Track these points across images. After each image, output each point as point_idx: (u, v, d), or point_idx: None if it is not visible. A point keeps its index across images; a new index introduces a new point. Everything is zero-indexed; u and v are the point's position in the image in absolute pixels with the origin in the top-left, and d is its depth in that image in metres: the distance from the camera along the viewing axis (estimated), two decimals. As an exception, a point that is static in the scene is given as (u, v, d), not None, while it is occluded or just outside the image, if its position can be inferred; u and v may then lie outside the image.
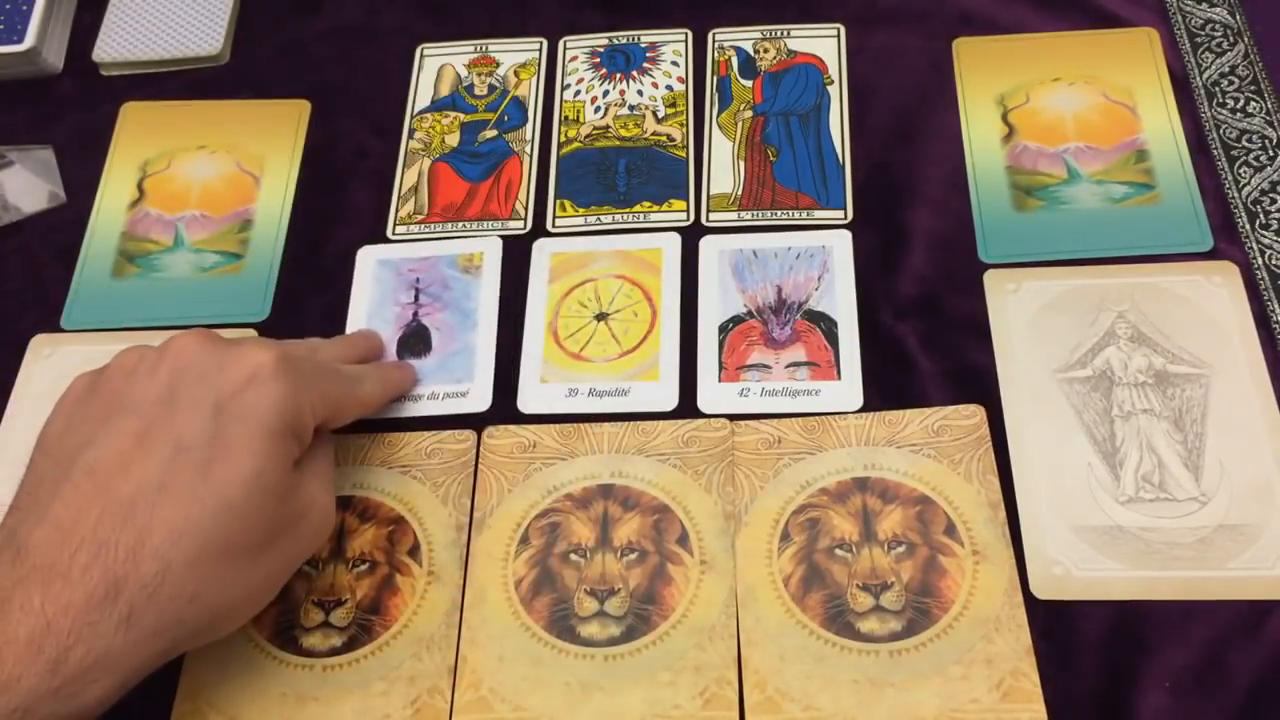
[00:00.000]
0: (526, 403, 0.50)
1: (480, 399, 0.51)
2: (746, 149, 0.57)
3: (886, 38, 0.60)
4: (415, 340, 0.53)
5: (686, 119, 0.58)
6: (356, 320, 0.53)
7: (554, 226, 0.56)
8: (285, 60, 0.63)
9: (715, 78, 0.60)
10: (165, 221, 0.58)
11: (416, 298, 0.54)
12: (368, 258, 0.55)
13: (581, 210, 0.56)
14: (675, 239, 0.54)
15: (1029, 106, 0.56)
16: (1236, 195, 0.52)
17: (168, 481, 0.37)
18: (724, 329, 0.51)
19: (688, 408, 0.49)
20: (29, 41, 0.62)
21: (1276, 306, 0.49)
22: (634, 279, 0.53)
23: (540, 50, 0.62)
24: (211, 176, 0.59)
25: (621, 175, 0.57)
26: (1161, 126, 0.54)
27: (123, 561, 0.35)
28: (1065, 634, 0.43)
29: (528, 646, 0.44)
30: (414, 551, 0.46)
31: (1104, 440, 0.46)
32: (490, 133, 0.59)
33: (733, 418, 0.49)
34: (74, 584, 0.35)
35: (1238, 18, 0.58)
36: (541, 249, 0.55)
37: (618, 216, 0.55)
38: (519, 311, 0.53)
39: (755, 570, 0.45)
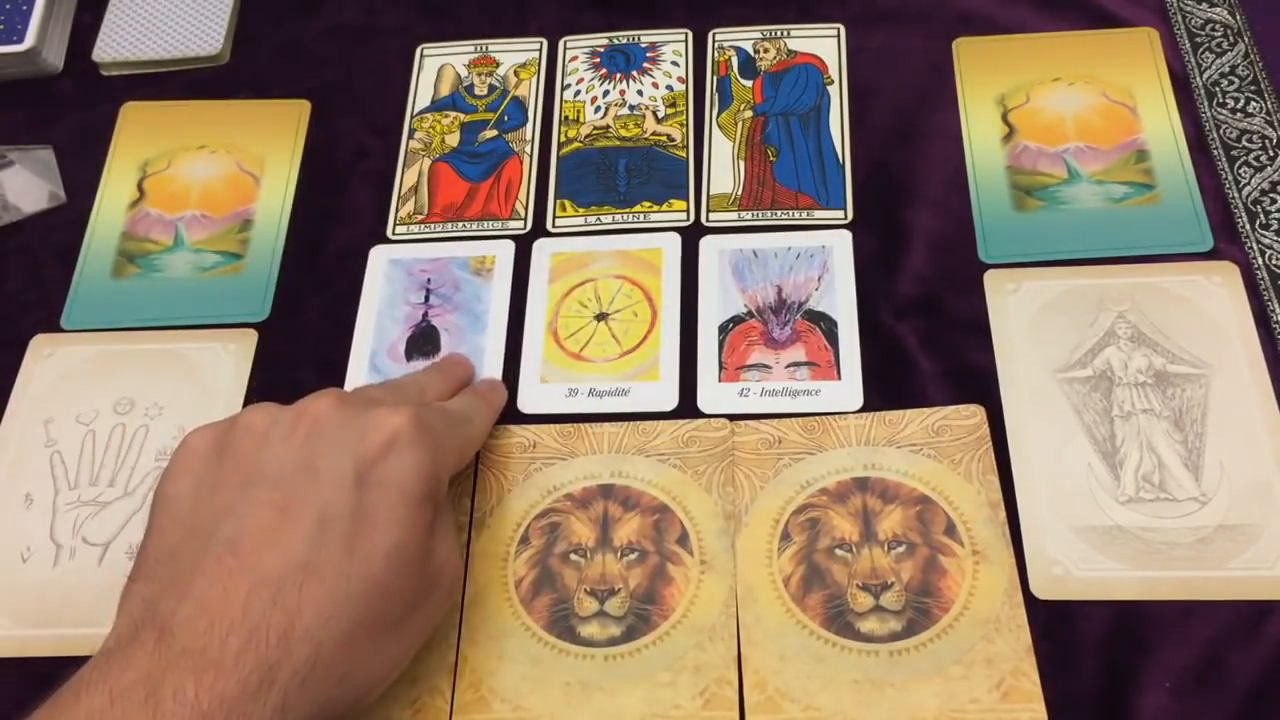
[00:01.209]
0: (526, 403, 0.50)
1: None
2: (746, 149, 0.57)
3: (886, 38, 0.60)
4: (424, 341, 0.53)
5: (686, 119, 0.58)
6: (366, 319, 0.53)
7: (554, 226, 0.56)
8: (285, 60, 0.63)
9: (715, 78, 0.60)
10: (165, 221, 0.58)
11: (427, 298, 0.54)
12: (379, 257, 0.55)
13: (581, 210, 0.56)
14: (675, 239, 0.54)
15: (1029, 106, 0.56)
16: (1236, 195, 0.52)
17: (314, 558, 0.35)
18: (724, 329, 0.51)
19: (688, 408, 0.49)
20: (29, 41, 0.62)
21: (1276, 306, 0.49)
22: (634, 279, 0.53)
23: (540, 50, 0.62)
24: (211, 176, 0.59)
25: (621, 175, 0.57)
26: (1161, 126, 0.54)
27: (274, 646, 0.34)
28: (1065, 634, 0.43)
29: (527, 646, 0.44)
30: None
31: (1104, 440, 0.46)
32: (490, 133, 0.59)
33: (733, 418, 0.49)
34: (227, 673, 0.33)
35: (1238, 18, 0.58)
36: (541, 249, 0.55)
37: (618, 216, 0.55)
38: (519, 311, 0.53)
39: (755, 570, 0.45)
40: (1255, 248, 0.51)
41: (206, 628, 0.34)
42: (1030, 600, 0.43)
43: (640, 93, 0.59)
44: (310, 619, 0.34)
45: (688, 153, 0.57)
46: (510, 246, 0.55)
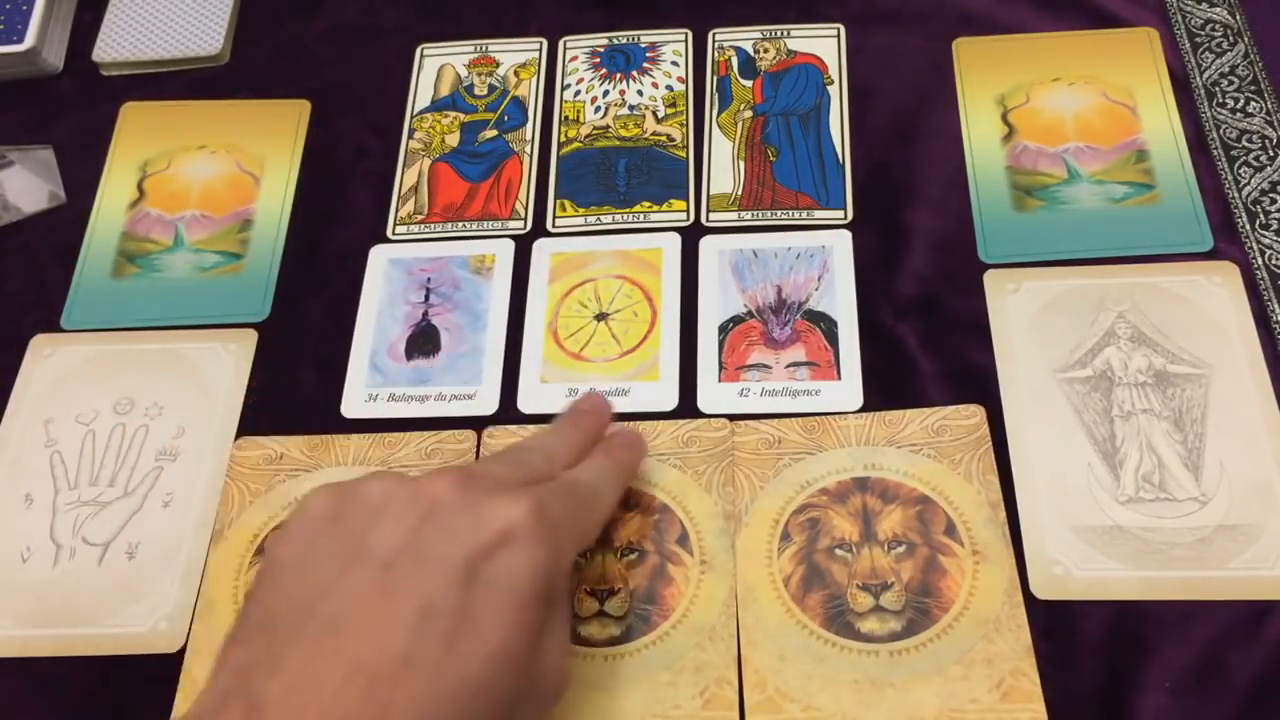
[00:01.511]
0: (526, 403, 0.50)
1: (488, 401, 0.51)
2: (746, 149, 0.57)
3: (886, 38, 0.60)
4: (424, 340, 0.53)
5: (686, 119, 0.58)
6: (366, 319, 0.53)
7: (554, 226, 0.56)
8: (285, 60, 0.63)
9: (715, 78, 0.60)
10: (165, 221, 0.58)
11: (427, 297, 0.54)
12: (379, 257, 0.55)
13: (581, 210, 0.56)
14: (675, 239, 0.54)
15: (1029, 106, 0.56)
16: (1236, 195, 0.52)
17: (412, 653, 0.34)
18: (724, 329, 0.51)
19: (688, 408, 0.49)
20: (29, 41, 0.62)
21: (1276, 306, 0.49)
22: (634, 279, 0.53)
23: (540, 50, 0.62)
24: (211, 176, 0.59)
25: (621, 175, 0.57)
26: (1161, 126, 0.54)
27: None
28: (1065, 634, 0.43)
29: (528, 647, 0.44)
30: None
31: (1104, 440, 0.46)
32: (490, 133, 0.59)
33: (733, 418, 0.49)
34: None
35: (1238, 18, 0.58)
36: (541, 249, 0.55)
37: (618, 216, 0.55)
38: (519, 311, 0.53)
39: (755, 570, 0.45)
40: (1255, 248, 0.51)
41: (298, 711, 0.32)
42: (1030, 600, 0.43)
43: (640, 93, 0.59)
44: (400, 714, 0.33)
45: (688, 153, 0.57)
46: (510, 246, 0.55)
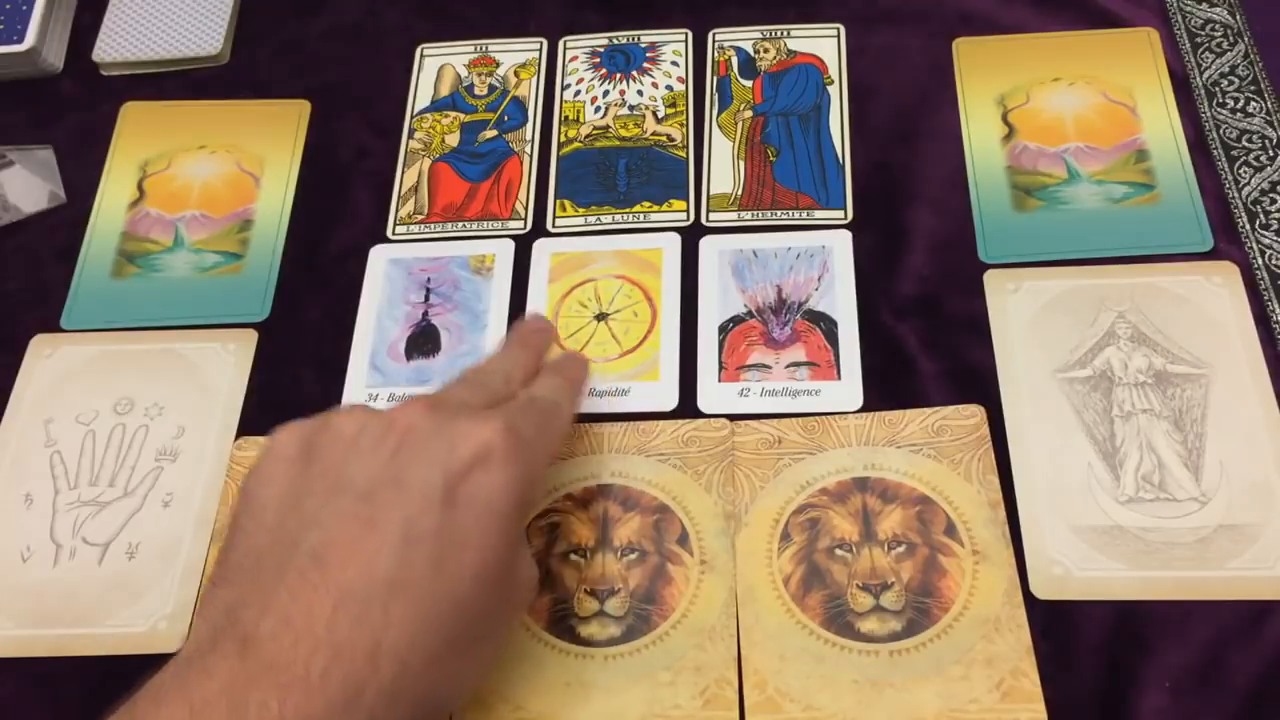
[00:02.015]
0: (526, 403, 0.50)
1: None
2: (746, 149, 0.57)
3: (886, 38, 0.60)
4: (424, 340, 0.53)
5: (686, 119, 0.58)
6: (366, 319, 0.53)
7: (554, 226, 0.56)
8: (285, 60, 0.63)
9: (715, 78, 0.60)
10: (165, 221, 0.58)
11: (427, 297, 0.54)
12: (379, 257, 0.55)
13: (581, 210, 0.56)
14: (675, 239, 0.54)
15: (1029, 106, 0.56)
16: (1236, 195, 0.52)
17: (399, 576, 0.34)
18: (724, 329, 0.51)
19: (688, 408, 0.49)
20: (29, 41, 0.62)
21: (1276, 306, 0.49)
22: (634, 279, 0.53)
23: (540, 50, 0.62)
24: (211, 176, 0.59)
25: (621, 175, 0.57)
26: (1161, 126, 0.54)
27: (361, 666, 0.33)
28: (1065, 634, 0.43)
29: (527, 646, 0.44)
30: None
31: (1104, 440, 0.46)
32: (490, 133, 0.59)
33: (733, 417, 0.49)
34: (313, 691, 0.32)
35: (1238, 18, 0.58)
36: (541, 249, 0.55)
37: (618, 216, 0.55)
38: (519, 311, 0.53)
39: (755, 570, 0.45)
40: (1255, 248, 0.51)
41: (291, 644, 0.33)
42: (1030, 600, 0.43)
43: (640, 93, 0.59)
44: (395, 638, 0.34)
45: (688, 153, 0.57)
46: (510, 246, 0.55)
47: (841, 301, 0.51)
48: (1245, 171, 0.53)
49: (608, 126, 0.59)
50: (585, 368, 0.48)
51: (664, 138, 0.58)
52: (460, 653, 0.36)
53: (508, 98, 0.60)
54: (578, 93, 0.60)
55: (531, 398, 0.43)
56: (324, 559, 0.35)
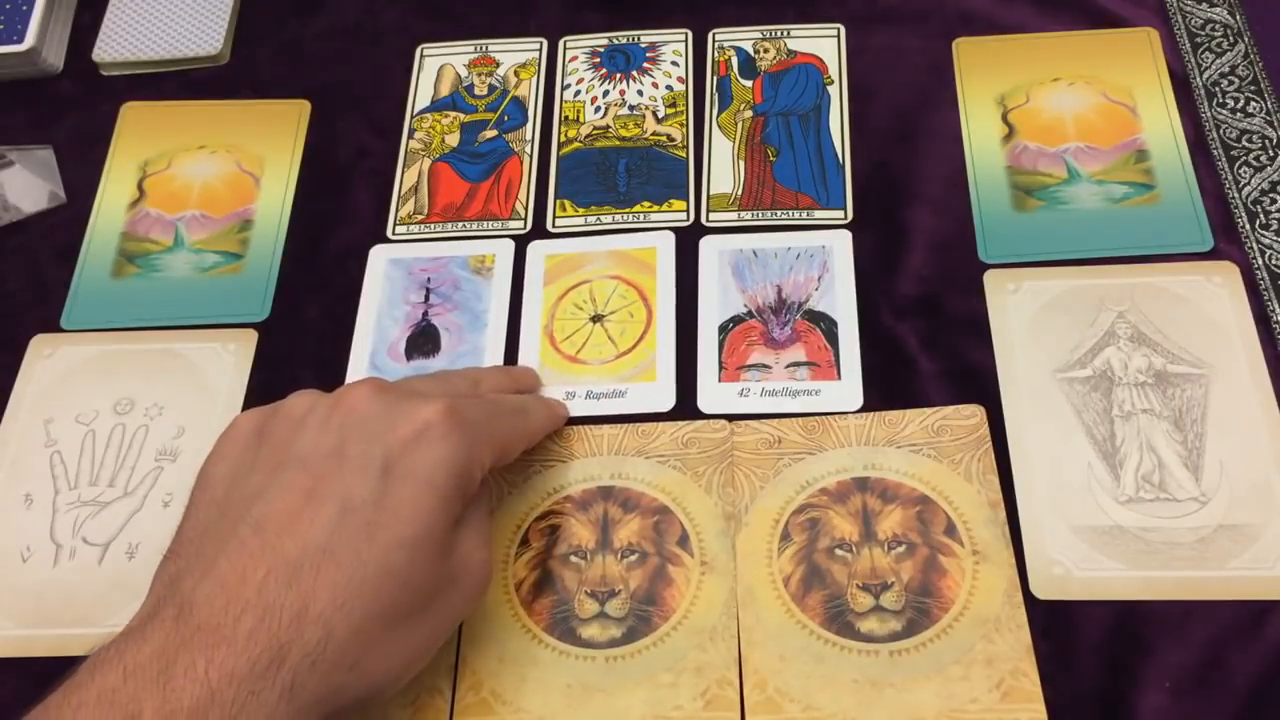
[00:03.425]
0: (526, 403, 0.50)
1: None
2: (746, 149, 0.57)
3: (886, 38, 0.60)
4: (424, 340, 0.53)
5: (686, 119, 0.58)
6: (366, 319, 0.53)
7: (554, 227, 0.56)
8: (285, 60, 0.63)
9: (715, 78, 0.60)
10: (165, 221, 0.58)
11: (427, 297, 0.54)
12: (379, 257, 0.55)
13: (581, 210, 0.56)
14: (669, 237, 0.54)
15: (1029, 106, 0.56)
16: (1236, 195, 0.52)
17: (333, 544, 0.36)
18: (724, 329, 0.51)
19: (687, 408, 0.49)
20: (29, 41, 0.62)
21: (1276, 306, 0.49)
22: (629, 279, 0.53)
23: (540, 50, 0.62)
24: (211, 176, 0.59)
25: (621, 175, 0.57)
26: (1161, 126, 0.54)
27: (286, 627, 0.34)
28: (1065, 634, 0.43)
29: (528, 648, 0.44)
30: None
31: (1104, 440, 0.46)
32: (490, 133, 0.59)
33: (732, 418, 0.49)
34: (238, 650, 0.33)
35: (1238, 18, 0.58)
36: (536, 251, 0.55)
37: (618, 217, 0.55)
38: (518, 312, 0.53)
39: (755, 570, 0.45)
40: (1255, 248, 0.51)
41: (223, 606, 0.34)
42: (1030, 600, 0.43)
43: (640, 93, 0.59)
44: (324, 603, 0.35)
45: (688, 153, 0.57)
46: (510, 246, 0.55)
47: (841, 301, 0.51)
48: (1245, 171, 0.53)
49: (608, 126, 0.59)
50: (565, 410, 0.49)
51: (664, 138, 0.58)
52: (392, 625, 0.36)
53: (508, 98, 0.60)
54: (578, 93, 0.60)
55: (493, 397, 0.45)
56: (263, 528, 0.36)
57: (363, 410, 0.40)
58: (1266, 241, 0.51)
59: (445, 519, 0.38)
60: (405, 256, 0.55)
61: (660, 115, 0.59)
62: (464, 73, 0.62)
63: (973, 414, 0.48)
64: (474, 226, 0.56)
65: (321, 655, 0.34)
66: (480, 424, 0.41)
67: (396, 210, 0.57)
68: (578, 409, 0.50)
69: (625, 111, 0.59)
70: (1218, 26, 0.58)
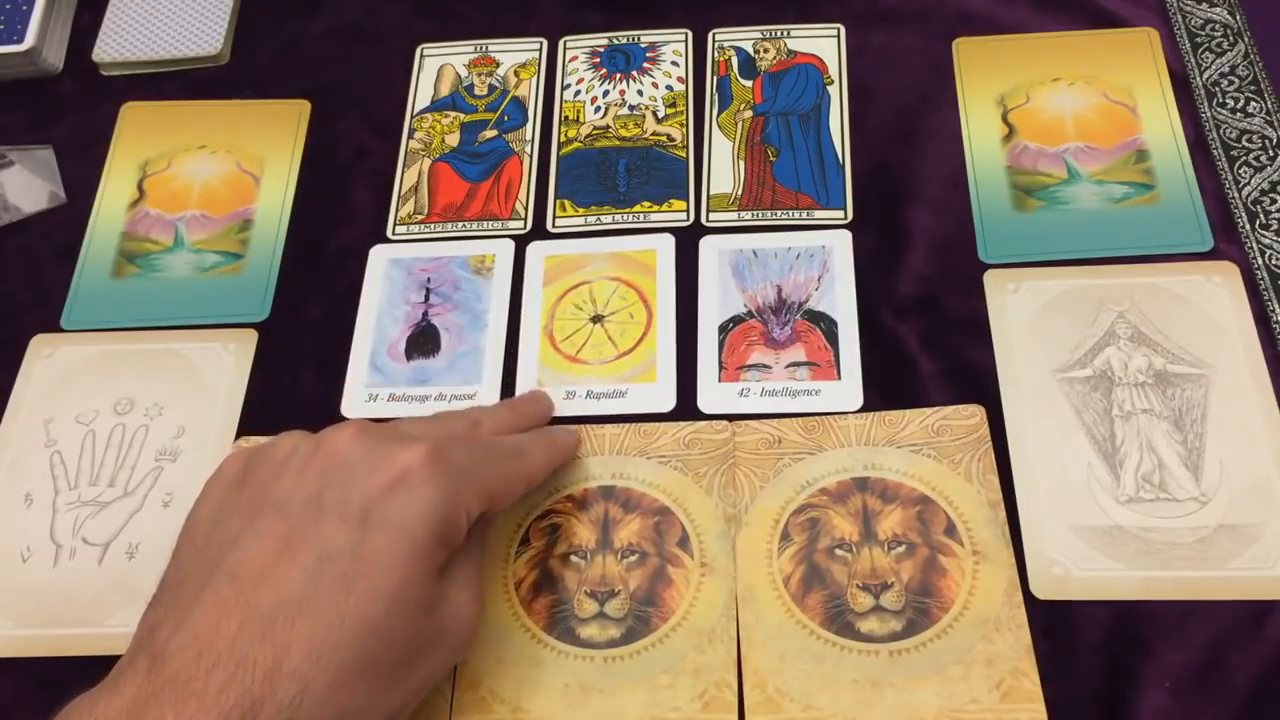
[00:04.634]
0: (526, 403, 0.50)
1: (488, 401, 0.51)
2: (746, 149, 0.57)
3: (886, 38, 0.60)
4: (424, 339, 0.53)
5: (686, 119, 0.58)
6: (366, 319, 0.53)
7: (554, 227, 0.56)
8: (285, 60, 0.63)
9: (715, 78, 0.60)
10: (165, 221, 0.58)
11: (427, 297, 0.54)
12: (379, 257, 0.55)
13: (581, 210, 0.56)
14: (669, 240, 0.54)
15: (1029, 106, 0.56)
16: (1236, 195, 0.52)
17: (309, 596, 0.34)
18: (724, 329, 0.51)
19: (687, 408, 0.49)
20: (29, 41, 0.62)
21: (1276, 306, 0.49)
22: (629, 281, 0.53)
23: (540, 50, 0.62)
24: (211, 176, 0.59)
25: (621, 175, 0.57)
26: (1161, 126, 0.54)
27: (259, 682, 0.33)
28: (1065, 634, 0.43)
29: (527, 648, 0.44)
30: None
31: (1104, 440, 0.46)
32: (490, 133, 0.59)
33: (732, 418, 0.49)
34: (209, 704, 0.32)
35: (1238, 18, 0.58)
36: (536, 251, 0.55)
37: (618, 217, 0.55)
38: (518, 313, 0.53)
39: (755, 570, 0.45)
40: (1255, 248, 0.51)
41: (195, 658, 0.33)
42: (1030, 600, 0.43)
43: (640, 93, 0.59)
44: (299, 658, 0.33)
45: (688, 153, 0.57)
46: (510, 246, 0.55)
47: (841, 301, 0.51)
48: (1245, 171, 0.53)
49: (608, 126, 0.59)
50: (575, 438, 0.48)
51: (664, 138, 0.58)
52: (372, 681, 0.35)
53: (508, 98, 0.60)
54: (578, 93, 0.60)
55: (493, 440, 0.43)
56: (238, 577, 0.35)
57: (344, 454, 0.38)
58: (1266, 241, 0.51)
59: (426, 569, 0.36)
60: (405, 256, 0.55)
61: (660, 115, 0.59)
62: (464, 73, 0.62)
63: (973, 414, 0.48)
64: (474, 226, 0.56)
65: (296, 712, 0.33)
66: (467, 469, 0.39)
67: (396, 210, 0.57)
68: (578, 408, 0.50)
69: (625, 111, 0.59)
70: (1218, 26, 0.58)
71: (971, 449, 0.47)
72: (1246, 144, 0.54)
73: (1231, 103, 0.55)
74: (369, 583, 0.35)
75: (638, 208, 0.56)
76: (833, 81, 0.58)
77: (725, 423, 0.48)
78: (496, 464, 0.41)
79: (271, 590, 0.35)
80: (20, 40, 0.62)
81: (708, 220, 0.55)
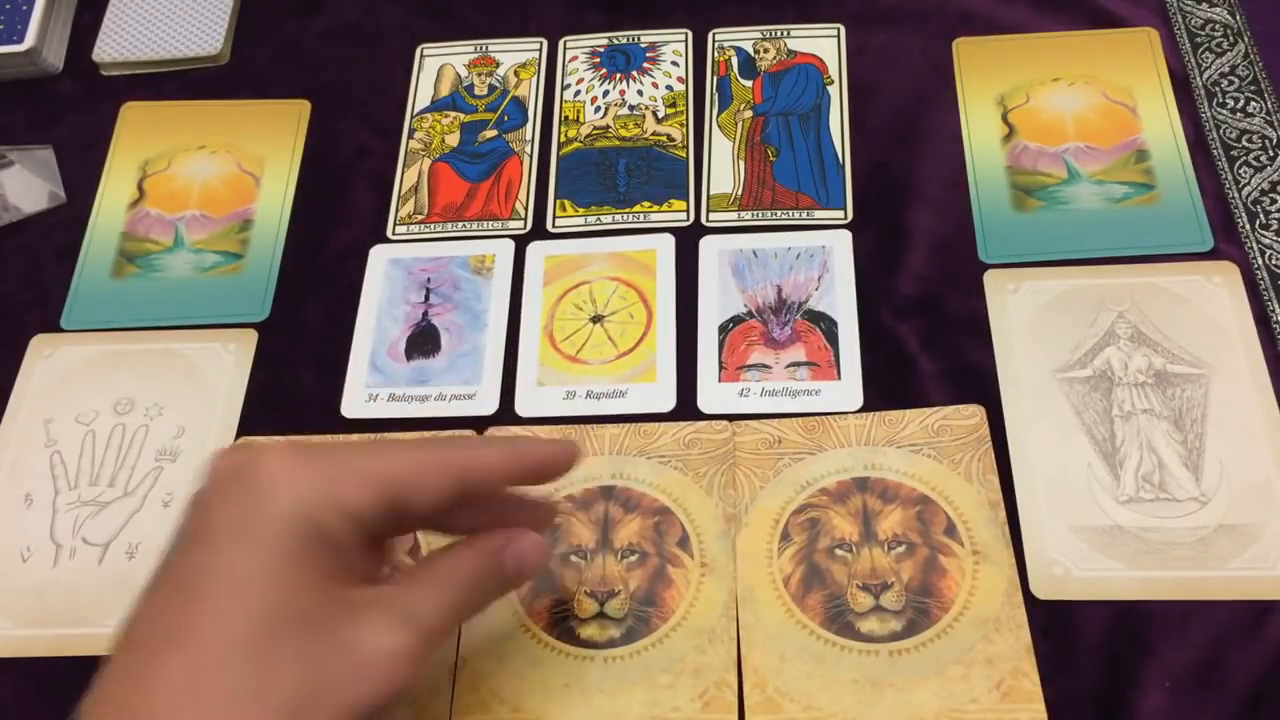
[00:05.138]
0: (524, 406, 0.50)
1: (488, 401, 0.51)
2: (746, 149, 0.57)
3: (886, 38, 0.60)
4: (424, 339, 0.53)
5: (686, 119, 0.58)
6: (366, 319, 0.53)
7: (554, 227, 0.56)
8: (285, 60, 0.63)
9: (715, 78, 0.60)
10: (165, 221, 0.58)
11: (427, 297, 0.54)
12: (379, 257, 0.55)
13: (581, 210, 0.56)
14: (669, 240, 0.54)
15: (1029, 106, 0.56)
16: (1236, 195, 0.52)
17: (171, 628, 0.31)
18: (724, 329, 0.51)
19: (687, 408, 0.49)
20: (29, 41, 0.62)
21: (1276, 306, 0.49)
22: (629, 281, 0.53)
23: (540, 50, 0.62)
24: (211, 176, 0.59)
25: (621, 175, 0.57)
26: (1161, 126, 0.54)
27: None
28: (1065, 634, 0.43)
29: (527, 648, 0.44)
30: (413, 553, 0.46)
31: (1104, 440, 0.46)
32: (490, 133, 0.59)
33: (732, 418, 0.49)
34: None
35: (1238, 18, 0.58)
36: (535, 251, 0.55)
37: (618, 217, 0.55)
38: (518, 312, 0.53)
39: (755, 570, 0.45)
40: (1255, 248, 0.51)
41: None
42: (1030, 600, 0.43)
43: (640, 93, 0.59)
44: (166, 697, 0.29)
45: (688, 153, 0.57)
46: (510, 246, 0.55)
47: (841, 301, 0.51)
48: (1245, 171, 0.53)
49: (608, 126, 0.59)
50: (568, 454, 0.40)
51: (664, 138, 0.58)
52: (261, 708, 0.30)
53: (508, 98, 0.60)
54: (578, 93, 0.60)
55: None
56: (132, 620, 0.32)
57: (218, 472, 0.33)
58: (1266, 241, 0.51)
59: (295, 580, 0.31)
60: (405, 256, 0.55)
61: (660, 115, 0.59)
62: (464, 73, 0.62)
63: (973, 414, 0.48)
64: (474, 226, 0.56)
65: None
66: (344, 456, 0.33)
67: (396, 210, 0.57)
68: (578, 409, 0.50)
69: (625, 111, 0.59)
70: (1218, 26, 0.58)
71: (971, 449, 0.47)
72: (1246, 144, 0.54)
73: (1231, 103, 0.55)
74: (227, 600, 0.31)
75: (638, 208, 0.56)
76: (833, 81, 0.58)
77: (725, 423, 0.48)
78: (397, 447, 0.35)
79: (137, 628, 0.31)
80: (20, 40, 0.62)
81: (708, 220, 0.55)
